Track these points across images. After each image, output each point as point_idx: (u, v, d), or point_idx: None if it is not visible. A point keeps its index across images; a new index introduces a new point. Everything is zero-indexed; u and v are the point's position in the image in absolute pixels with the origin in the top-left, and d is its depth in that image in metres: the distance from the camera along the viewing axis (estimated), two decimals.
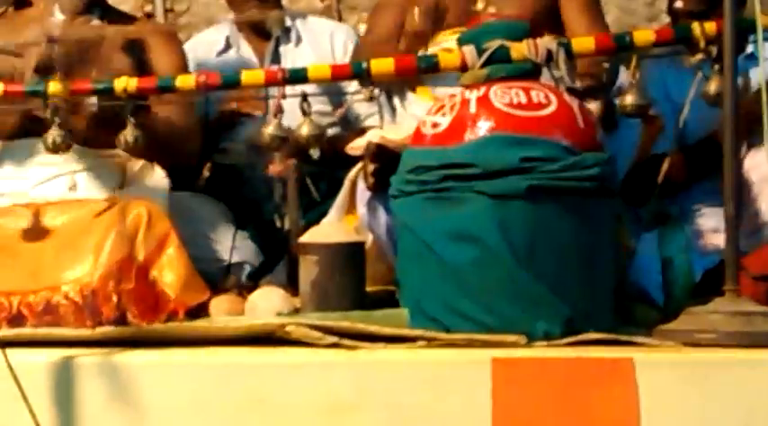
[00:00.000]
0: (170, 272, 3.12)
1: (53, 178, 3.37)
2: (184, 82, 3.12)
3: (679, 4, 3.60)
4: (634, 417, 2.48)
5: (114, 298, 3.02)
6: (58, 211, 3.24)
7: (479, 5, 3.37)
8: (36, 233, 3.18)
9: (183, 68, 3.56)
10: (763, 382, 2.48)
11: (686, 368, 2.52)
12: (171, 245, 3.14)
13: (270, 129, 3.05)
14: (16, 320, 3.01)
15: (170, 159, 3.48)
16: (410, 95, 3.43)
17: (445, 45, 3.23)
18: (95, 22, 3.56)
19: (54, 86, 3.10)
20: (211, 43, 4.09)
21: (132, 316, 3.02)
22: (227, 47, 4.09)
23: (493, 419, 2.51)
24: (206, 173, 4.01)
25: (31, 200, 3.32)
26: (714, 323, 2.63)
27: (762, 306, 2.66)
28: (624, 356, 2.53)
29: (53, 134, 3.11)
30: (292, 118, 3.07)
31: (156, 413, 2.61)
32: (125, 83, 3.09)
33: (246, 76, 3.11)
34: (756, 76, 3.01)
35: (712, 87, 2.84)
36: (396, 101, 3.55)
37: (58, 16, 3.52)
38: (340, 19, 4.54)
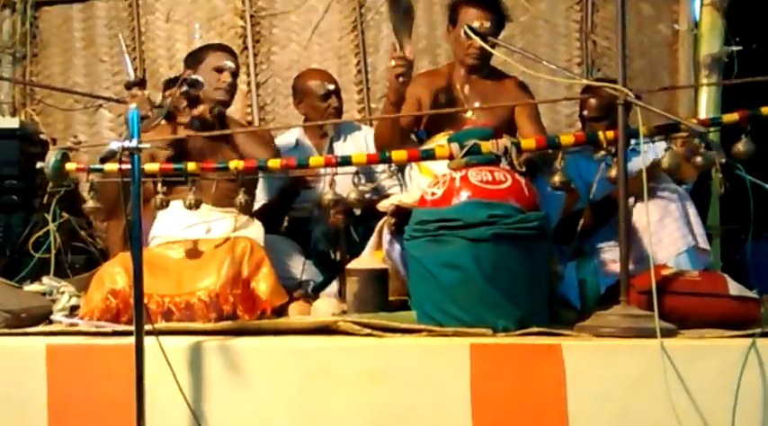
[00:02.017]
0: (263, 283, 3.08)
1: (190, 227, 3.35)
2: (273, 163, 3.11)
3: (586, 113, 3.59)
4: (562, 384, 2.46)
5: (230, 299, 2.99)
6: (194, 245, 3.23)
7: (469, 115, 3.39)
8: (192, 255, 3.17)
9: (275, 154, 3.53)
10: (644, 360, 2.45)
11: (596, 350, 2.50)
12: (265, 266, 3.11)
13: (328, 195, 3.04)
14: (167, 314, 2.98)
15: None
16: (417, 174, 3.41)
17: (439, 142, 3.21)
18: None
19: (191, 166, 3.11)
20: (287, 142, 4.07)
21: (239, 312, 2.98)
22: (296, 145, 4.07)
23: (471, 382, 2.50)
24: (285, 223, 3.98)
25: (176, 239, 3.29)
26: (613, 322, 2.60)
27: (644, 311, 2.62)
28: (555, 343, 2.51)
29: (190, 198, 3.13)
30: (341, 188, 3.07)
31: (256, 380, 2.60)
32: (236, 163, 3.09)
33: (312, 161, 3.10)
34: (634, 164, 2.99)
35: (613, 172, 2.83)
36: (407, 172, 3.52)
37: (195, 125, 3.52)
38: (371, 125, 4.52)
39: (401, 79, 3.23)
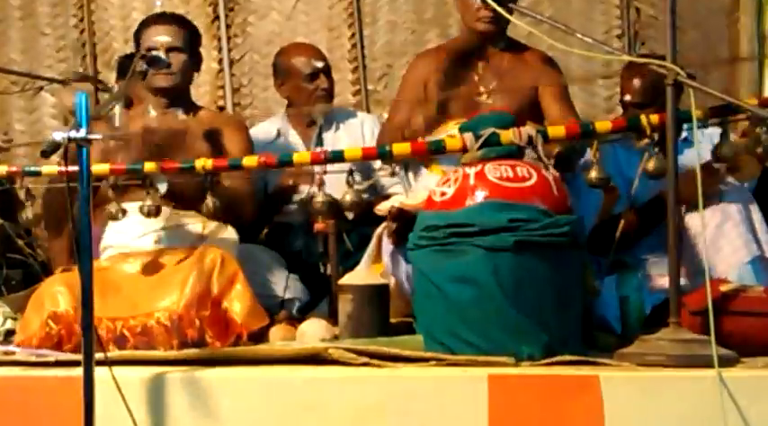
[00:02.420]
0: (238, 303, 3.09)
1: (146, 234, 3.36)
2: (249, 161, 3.12)
3: (628, 98, 3.54)
4: (599, 423, 2.45)
5: (196, 322, 3.00)
6: (153, 257, 3.24)
7: (483, 98, 3.39)
8: (150, 269, 3.18)
9: (251, 149, 3.53)
10: (698, 393, 2.45)
11: (640, 383, 2.50)
12: (239, 282, 3.12)
13: (318, 198, 3.05)
14: (119, 340, 2.99)
15: (234, 218, 3.45)
16: (423, 170, 3.41)
17: (451, 132, 3.21)
18: (181, 115, 3.54)
19: (149, 165, 3.12)
20: (266, 133, 4.08)
21: (208, 338, 3.00)
22: (278, 136, 4.08)
23: (489, 422, 2.48)
24: (265, 230, 3.99)
25: (131, 250, 3.31)
26: (661, 348, 2.61)
27: (698, 335, 2.63)
28: (591, 373, 2.51)
29: (147, 204, 3.13)
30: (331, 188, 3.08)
31: (228, 420, 2.59)
32: (203, 162, 3.10)
33: (297, 157, 3.12)
34: (689, 156, 3.00)
35: (651, 165, 2.83)
36: (410, 175, 3.53)
37: (152, 112, 3.53)
38: (368, 110, 4.54)
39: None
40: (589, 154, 3.03)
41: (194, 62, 3.57)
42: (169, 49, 3.43)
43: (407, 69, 3.69)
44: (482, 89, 3.43)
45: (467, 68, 3.48)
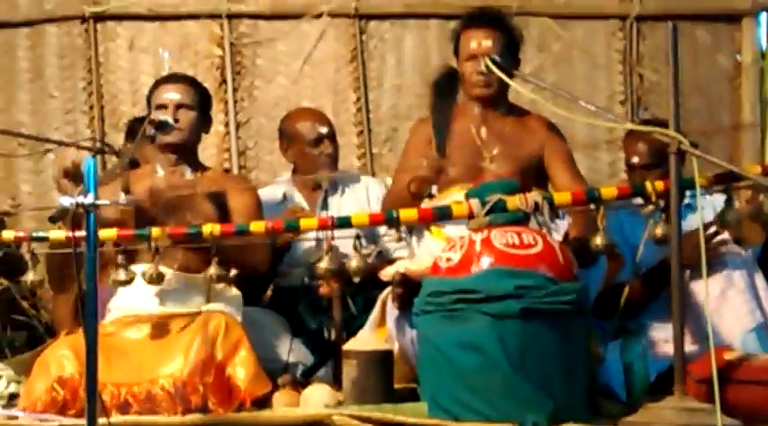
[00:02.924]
0: (242, 369, 3.08)
1: (153, 297, 3.35)
2: (257, 227, 3.13)
3: (635, 160, 3.52)
4: None
5: (200, 389, 2.99)
6: (158, 322, 3.24)
7: (486, 163, 3.39)
8: (154, 334, 3.19)
9: (259, 208, 3.53)
10: None
11: None
12: (243, 348, 3.12)
13: (324, 264, 3.06)
14: (123, 406, 2.98)
15: (247, 267, 3.40)
16: (426, 235, 3.40)
17: (455, 198, 3.22)
18: (188, 174, 3.53)
19: (156, 232, 3.13)
20: (272, 196, 4.08)
21: (212, 404, 2.98)
22: (284, 199, 4.07)
23: None
24: (269, 293, 3.98)
25: (137, 312, 3.30)
26: (666, 417, 2.61)
27: (703, 404, 2.62)
28: None
29: (151, 270, 3.14)
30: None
31: None
32: (211, 228, 3.11)
33: (304, 223, 3.13)
34: (692, 222, 3.00)
35: (658, 231, 2.84)
36: (413, 239, 3.51)
37: (159, 172, 3.53)
38: (373, 174, 4.55)
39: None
40: None
41: (203, 121, 3.58)
42: (178, 106, 3.46)
43: (410, 134, 3.69)
44: (485, 154, 3.43)
45: (468, 133, 3.47)
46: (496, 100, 3.48)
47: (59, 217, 2.47)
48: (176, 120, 3.41)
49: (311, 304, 3.76)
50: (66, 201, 2.42)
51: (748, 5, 4.58)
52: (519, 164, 3.39)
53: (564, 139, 3.56)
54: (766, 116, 4.47)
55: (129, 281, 3.19)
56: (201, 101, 3.57)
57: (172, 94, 3.49)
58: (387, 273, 3.24)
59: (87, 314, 2.41)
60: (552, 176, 3.45)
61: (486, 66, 3.31)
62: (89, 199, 2.41)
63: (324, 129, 4.03)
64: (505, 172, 3.33)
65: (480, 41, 3.40)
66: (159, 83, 3.64)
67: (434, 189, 3.50)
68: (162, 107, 3.46)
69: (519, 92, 3.40)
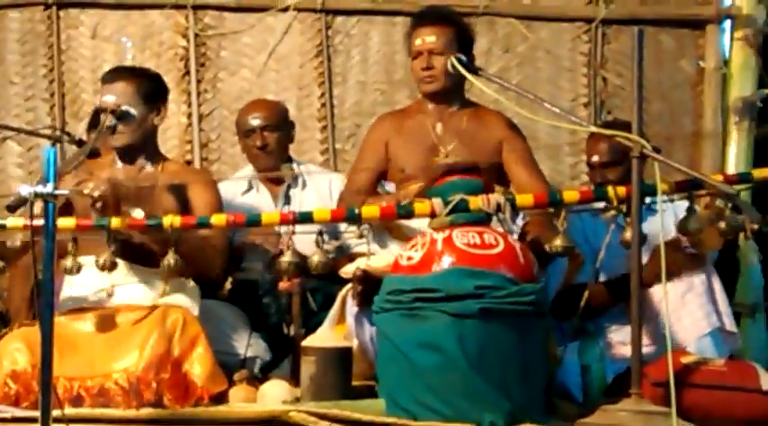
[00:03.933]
0: (199, 366, 3.07)
1: (104, 289, 3.31)
2: (218, 220, 3.11)
3: (595, 159, 3.55)
4: None
5: (154, 385, 2.97)
6: (110, 314, 3.20)
7: (440, 157, 3.39)
8: (107, 327, 3.15)
9: (218, 204, 3.49)
10: None
11: None
12: (200, 345, 3.10)
13: (286, 258, 3.04)
14: (76, 400, 2.95)
15: (202, 270, 3.40)
16: (388, 240, 3.40)
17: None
18: (148, 168, 3.50)
19: (115, 222, 3.09)
20: (237, 185, 4.08)
21: (167, 401, 2.96)
22: (249, 188, 4.07)
23: None
24: (228, 286, 3.95)
25: (88, 304, 3.27)
26: (622, 420, 2.63)
27: (659, 407, 2.64)
28: None
29: (104, 257, 3.10)
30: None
31: None
32: (171, 220, 3.08)
33: (265, 217, 3.12)
34: (653, 223, 3.02)
35: (627, 234, 2.85)
36: (375, 244, 3.48)
37: (119, 164, 3.50)
38: (336, 169, 4.54)
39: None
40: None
41: (149, 112, 3.46)
42: (113, 113, 3.36)
43: (367, 132, 3.71)
44: (441, 149, 3.44)
45: (424, 130, 3.49)
46: (449, 95, 3.50)
47: (17, 206, 2.44)
48: (114, 127, 3.35)
49: (271, 298, 3.75)
50: (24, 190, 2.39)
51: (713, 13, 4.61)
52: (475, 159, 3.36)
53: (523, 136, 3.58)
54: (728, 123, 4.50)
55: (76, 269, 3.14)
56: (146, 92, 3.45)
57: (108, 97, 3.41)
58: (347, 271, 3.23)
59: (44, 305, 2.38)
60: (510, 173, 3.47)
61: (452, 65, 3.33)
62: (48, 189, 2.38)
63: (255, 121, 3.99)
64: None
65: (424, 38, 3.44)
66: (102, 79, 3.55)
67: (389, 185, 3.52)
68: (103, 111, 3.39)
69: (483, 91, 3.40)
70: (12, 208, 2.50)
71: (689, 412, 2.68)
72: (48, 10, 4.66)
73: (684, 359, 2.94)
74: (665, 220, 2.83)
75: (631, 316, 2.72)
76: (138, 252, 3.27)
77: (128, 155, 3.48)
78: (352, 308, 3.21)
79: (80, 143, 3.63)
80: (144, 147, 3.50)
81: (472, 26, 3.62)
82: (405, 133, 3.52)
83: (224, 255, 3.49)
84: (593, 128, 3.16)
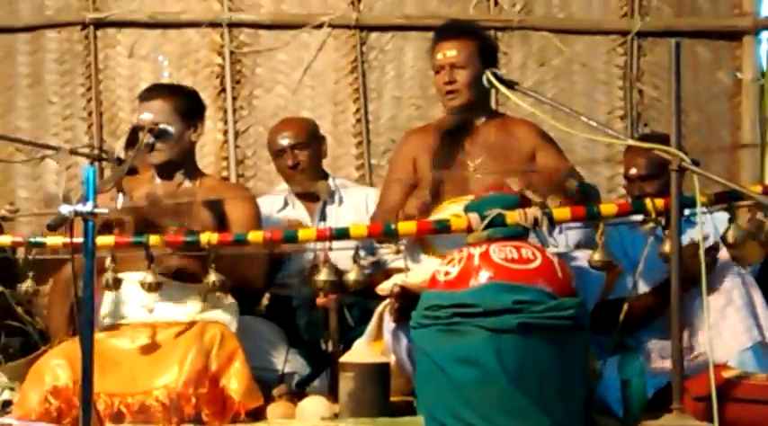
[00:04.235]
0: (236, 381, 3.08)
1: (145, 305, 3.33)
2: (255, 237, 3.13)
3: (633, 171, 3.54)
4: None
5: (193, 401, 2.98)
6: (151, 331, 3.22)
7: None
8: (148, 344, 3.17)
9: (257, 217, 3.51)
10: None
11: None
12: (237, 360, 3.11)
13: (322, 276, 3.05)
14: (116, 417, 2.97)
15: (245, 284, 3.41)
16: (423, 256, 3.38)
17: (453, 210, 3.21)
18: (186, 183, 3.53)
19: (153, 239, 3.12)
20: (273, 202, 4.09)
21: (205, 416, 2.98)
22: (285, 205, 4.09)
23: None
24: (265, 302, 3.97)
25: (128, 320, 3.30)
26: None
27: (701, 422, 2.61)
28: None
29: (149, 279, 3.13)
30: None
31: None
32: (208, 237, 3.10)
33: (302, 234, 3.13)
34: (692, 236, 2.99)
35: (666, 247, 2.83)
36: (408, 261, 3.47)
37: (158, 180, 3.53)
38: (371, 184, 4.55)
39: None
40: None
41: (187, 128, 3.49)
42: (151, 131, 3.40)
43: (395, 150, 3.71)
44: (469, 164, 3.44)
45: (453, 145, 3.48)
46: (474, 108, 3.49)
47: (57, 225, 2.46)
48: (152, 145, 3.38)
49: (308, 314, 3.76)
50: (65, 209, 2.41)
51: (750, 24, 4.59)
52: (508, 170, 3.36)
53: (554, 143, 3.56)
54: (766, 134, 4.47)
55: (116, 286, 3.16)
56: (183, 110, 3.48)
57: (145, 115, 3.44)
58: (384, 287, 3.22)
59: (84, 322, 2.39)
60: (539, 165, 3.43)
61: (488, 80, 3.30)
62: (87, 208, 2.40)
63: (284, 141, 4.00)
64: (491, 180, 3.30)
65: (445, 52, 3.45)
66: (140, 97, 3.59)
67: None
68: (141, 128, 3.42)
69: (518, 105, 3.40)
70: (51, 227, 2.52)
71: None
72: (85, 29, 4.73)
73: (726, 374, 2.91)
74: (704, 232, 2.81)
75: (672, 330, 2.69)
76: (180, 273, 3.30)
77: (166, 171, 3.52)
78: (389, 325, 3.19)
79: (119, 161, 3.66)
80: (182, 164, 3.53)
81: (494, 39, 3.59)
82: (432, 149, 3.51)
83: (265, 266, 3.50)
84: (631, 142, 3.14)
